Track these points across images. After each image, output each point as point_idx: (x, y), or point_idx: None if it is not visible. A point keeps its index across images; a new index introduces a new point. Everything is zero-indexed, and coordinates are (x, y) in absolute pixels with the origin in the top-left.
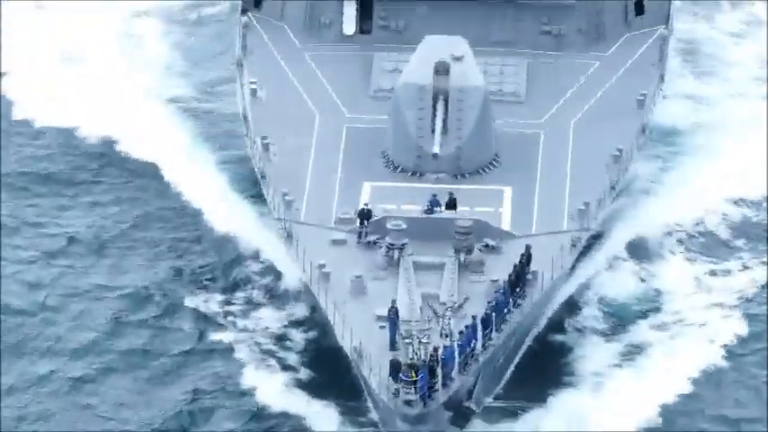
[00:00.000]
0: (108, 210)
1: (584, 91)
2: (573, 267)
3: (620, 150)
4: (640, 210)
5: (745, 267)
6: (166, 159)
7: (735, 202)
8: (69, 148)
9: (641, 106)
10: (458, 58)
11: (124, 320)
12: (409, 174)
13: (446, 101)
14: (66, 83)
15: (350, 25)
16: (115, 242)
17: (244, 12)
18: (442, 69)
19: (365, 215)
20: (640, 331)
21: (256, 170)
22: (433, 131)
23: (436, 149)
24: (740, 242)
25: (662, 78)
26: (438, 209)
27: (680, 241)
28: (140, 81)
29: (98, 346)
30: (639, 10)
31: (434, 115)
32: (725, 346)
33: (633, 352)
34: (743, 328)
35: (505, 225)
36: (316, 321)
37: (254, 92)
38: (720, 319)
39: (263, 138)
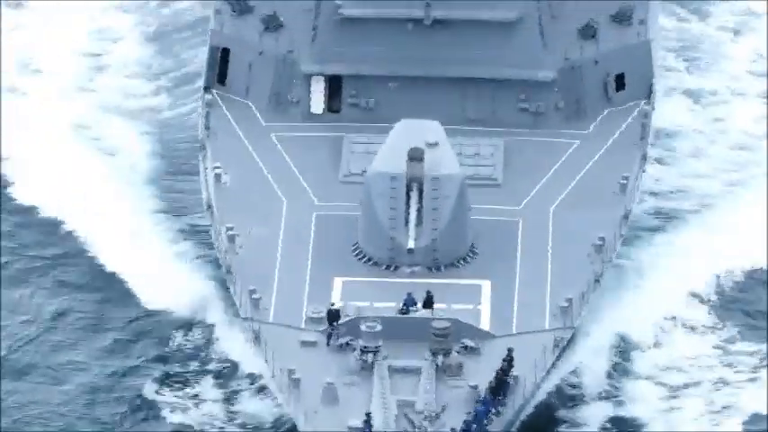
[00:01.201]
0: (61, 296)
1: (564, 173)
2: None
3: (603, 240)
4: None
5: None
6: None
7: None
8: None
9: (623, 191)
10: (432, 145)
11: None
12: (382, 267)
13: (420, 190)
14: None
15: (318, 103)
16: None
17: (207, 89)
18: (415, 156)
19: (333, 316)
20: None
21: (222, 263)
22: (407, 223)
23: (411, 244)
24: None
25: (644, 158)
26: (414, 308)
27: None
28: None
29: None
30: (620, 84)
31: (408, 206)
32: None
33: None
34: None
35: (485, 323)
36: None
37: (218, 177)
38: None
39: (229, 228)
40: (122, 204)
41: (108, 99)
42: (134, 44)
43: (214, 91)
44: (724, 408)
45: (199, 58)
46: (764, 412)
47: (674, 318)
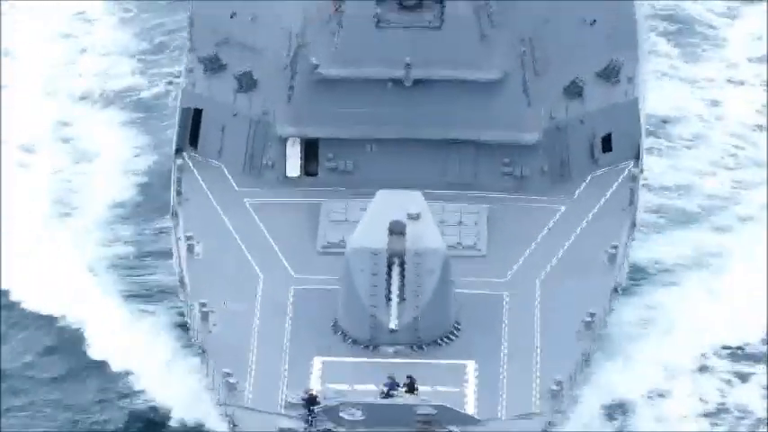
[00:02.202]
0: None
1: (550, 242)
2: None
3: (592, 315)
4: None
5: None
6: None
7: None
8: None
9: (612, 261)
10: (414, 217)
11: None
12: (363, 346)
13: (402, 265)
14: None
15: (294, 167)
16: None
17: (178, 152)
18: (396, 230)
19: (311, 401)
20: None
21: (195, 342)
22: (388, 301)
23: (393, 325)
24: None
25: (633, 226)
26: (395, 391)
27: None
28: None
29: None
30: (607, 146)
31: (390, 282)
32: None
33: None
34: None
35: (470, 407)
36: None
37: (190, 248)
38: None
39: (202, 305)
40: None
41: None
42: None
43: (185, 154)
44: None
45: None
46: None
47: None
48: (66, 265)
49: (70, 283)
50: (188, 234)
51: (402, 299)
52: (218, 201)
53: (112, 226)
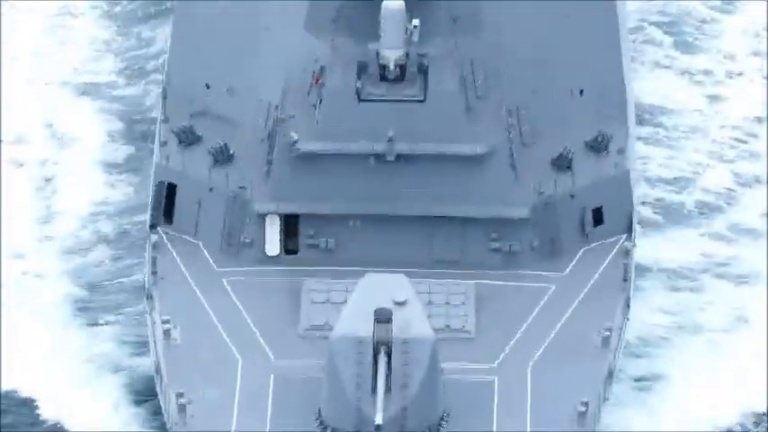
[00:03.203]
0: None
1: (541, 324)
2: None
3: (586, 404)
4: None
5: None
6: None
7: None
8: None
9: (606, 345)
10: (401, 304)
11: None
12: None
13: (389, 355)
14: None
15: (273, 245)
16: None
17: (153, 227)
18: (382, 318)
19: None
20: None
21: None
22: (374, 392)
23: (379, 419)
24: None
25: (628, 306)
26: None
27: None
28: None
29: None
30: (598, 219)
31: (376, 373)
32: None
33: None
34: None
35: None
36: None
37: (167, 333)
38: None
39: (179, 395)
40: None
41: None
42: None
43: (161, 230)
44: None
45: None
46: None
47: None
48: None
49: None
50: (164, 318)
51: (388, 390)
52: (195, 281)
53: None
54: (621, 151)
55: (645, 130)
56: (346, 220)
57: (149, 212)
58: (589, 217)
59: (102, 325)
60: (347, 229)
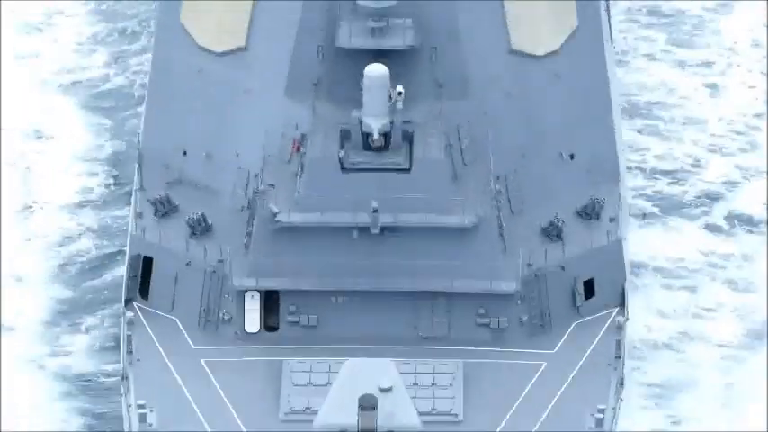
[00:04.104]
0: None
1: (532, 405)
2: None
3: None
4: None
5: None
6: None
7: None
8: None
9: (600, 425)
10: (386, 390)
11: None
12: None
13: None
14: None
15: (253, 322)
16: None
17: (128, 302)
18: (367, 405)
19: None
20: None
21: None
22: None
23: None
24: None
25: (621, 384)
26: None
27: None
28: None
29: None
30: (589, 292)
31: None
32: None
33: None
34: None
35: None
36: None
37: (143, 417)
38: None
39: None
40: None
41: None
42: None
43: (137, 305)
44: None
45: None
46: None
47: None
48: None
49: None
50: (140, 402)
51: None
52: (172, 361)
53: None
54: (614, 219)
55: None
56: (329, 295)
57: (124, 287)
58: (580, 289)
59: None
60: (330, 305)
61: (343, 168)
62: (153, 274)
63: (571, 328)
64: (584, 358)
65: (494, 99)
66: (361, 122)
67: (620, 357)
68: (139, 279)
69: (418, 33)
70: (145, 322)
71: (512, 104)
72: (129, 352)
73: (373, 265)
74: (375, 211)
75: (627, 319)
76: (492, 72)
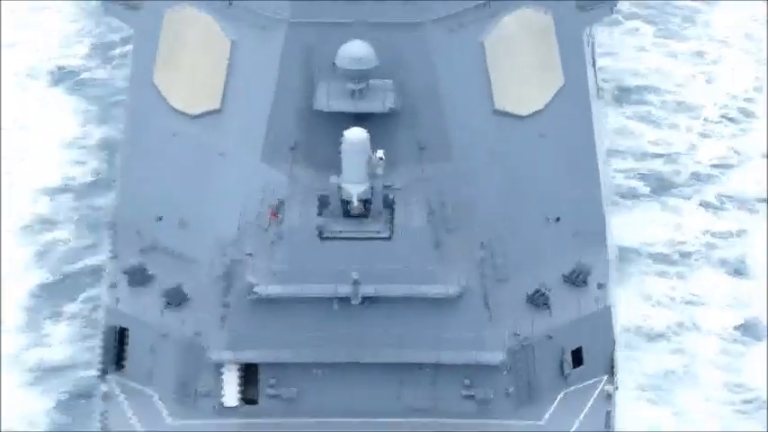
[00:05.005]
0: None
1: None
2: None
3: None
4: None
5: None
6: None
7: None
8: None
9: None
10: None
11: None
12: None
13: None
14: None
15: (231, 396)
16: None
17: (102, 374)
18: None
19: None
20: None
21: None
22: None
23: None
24: None
25: None
26: None
27: None
28: None
29: None
30: (578, 360)
31: None
32: None
33: None
34: None
35: None
36: None
37: None
38: None
39: None
40: None
41: None
42: None
43: (112, 377)
44: None
45: None
46: None
47: None
48: None
49: None
50: None
51: None
52: None
53: None
54: (602, 286)
55: None
56: (310, 368)
57: (99, 360)
58: (568, 358)
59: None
60: (311, 377)
61: (321, 237)
62: (128, 346)
63: (559, 398)
64: (573, 430)
65: (477, 161)
66: (339, 188)
67: (610, 429)
68: (115, 350)
69: (399, 95)
70: (120, 396)
71: (496, 166)
72: (105, 429)
73: (355, 337)
74: (356, 282)
75: (616, 388)
76: (475, 133)
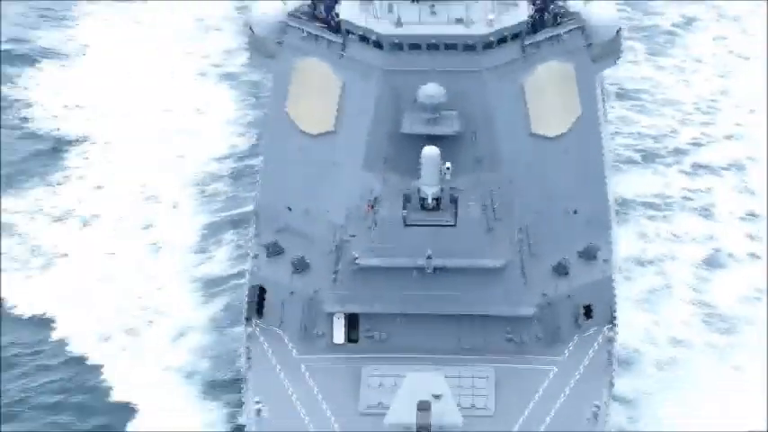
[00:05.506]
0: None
1: (546, 402)
2: None
3: None
4: None
5: None
6: None
7: None
8: None
9: (596, 418)
10: (437, 397)
11: None
12: None
13: None
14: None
15: (339, 336)
16: None
17: (248, 320)
18: (423, 407)
19: None
20: None
21: None
22: None
23: None
24: None
25: (612, 384)
26: None
27: None
28: None
29: None
30: (588, 315)
31: None
32: None
33: None
34: None
35: None
36: None
37: (258, 411)
38: None
39: None
40: None
41: None
42: None
43: (254, 322)
44: None
45: None
46: None
47: None
48: None
49: None
50: (255, 399)
51: None
52: (280, 366)
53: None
54: (607, 261)
55: None
56: (394, 317)
57: (245, 309)
58: (581, 313)
59: None
60: (395, 324)
61: (405, 224)
62: (266, 300)
63: (574, 341)
64: (584, 364)
65: (517, 170)
66: (419, 189)
67: (610, 364)
68: (256, 303)
69: (462, 122)
70: (260, 336)
71: (531, 174)
72: (248, 358)
73: (428, 296)
74: (429, 257)
75: (616, 333)
76: (516, 150)
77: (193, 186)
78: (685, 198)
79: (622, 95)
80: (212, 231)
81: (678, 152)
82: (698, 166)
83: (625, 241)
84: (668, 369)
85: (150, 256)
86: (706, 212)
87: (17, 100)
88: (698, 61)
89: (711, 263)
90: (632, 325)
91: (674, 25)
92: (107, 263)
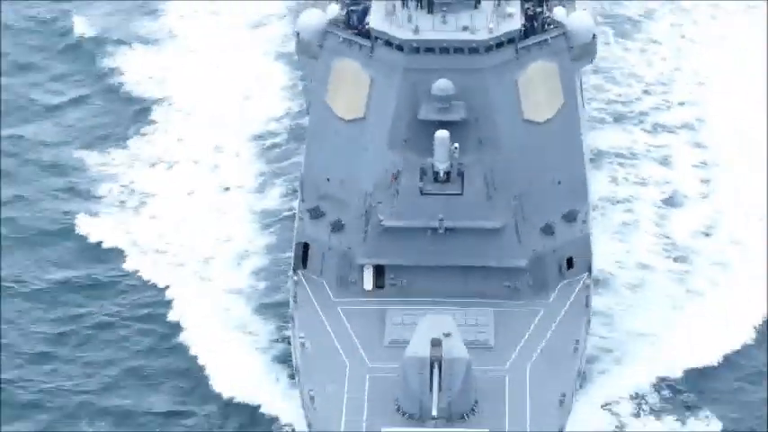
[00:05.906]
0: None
1: (535, 337)
2: None
3: (564, 395)
4: None
5: None
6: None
7: None
8: None
9: (576, 351)
10: (447, 335)
11: None
12: (415, 418)
13: (440, 367)
14: None
15: (368, 283)
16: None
17: (294, 270)
18: (436, 344)
19: None
20: None
21: (305, 420)
22: (431, 391)
23: (434, 412)
24: None
25: (589, 323)
26: None
27: None
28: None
29: None
30: (570, 265)
31: (432, 379)
32: None
33: None
34: None
35: None
36: None
37: (302, 345)
38: None
39: (310, 390)
40: None
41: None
42: None
43: (300, 272)
44: None
45: None
46: None
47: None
48: None
49: None
50: (300, 335)
51: (440, 388)
52: (320, 308)
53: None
54: (584, 221)
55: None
56: (414, 268)
57: (292, 261)
58: (564, 264)
59: None
60: (414, 273)
61: (422, 193)
62: (309, 254)
63: (558, 288)
64: (566, 307)
65: (513, 150)
66: (432, 165)
67: (588, 306)
68: (301, 256)
69: (467, 111)
70: (304, 283)
71: (523, 153)
72: (295, 301)
73: (440, 251)
74: (441, 219)
75: (592, 281)
76: (511, 133)
77: (253, 140)
78: (648, 150)
79: (597, 70)
80: (268, 177)
81: (642, 114)
82: (658, 126)
83: (601, 184)
84: (637, 290)
85: (219, 195)
86: (665, 162)
87: (112, 69)
88: (657, 43)
89: (670, 202)
90: (607, 253)
91: (639, 15)
92: (186, 200)
